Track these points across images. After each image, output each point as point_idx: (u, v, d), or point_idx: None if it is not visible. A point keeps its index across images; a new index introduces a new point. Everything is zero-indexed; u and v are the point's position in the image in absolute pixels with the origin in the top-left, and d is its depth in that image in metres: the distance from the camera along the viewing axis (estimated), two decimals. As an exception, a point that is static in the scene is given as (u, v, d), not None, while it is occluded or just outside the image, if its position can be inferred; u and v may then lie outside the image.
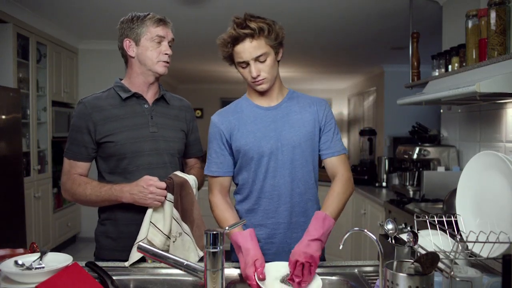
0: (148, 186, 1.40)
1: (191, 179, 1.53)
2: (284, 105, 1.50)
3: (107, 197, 1.46)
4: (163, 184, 1.43)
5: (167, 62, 1.55)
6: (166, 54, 1.53)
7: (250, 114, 1.48)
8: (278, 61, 1.45)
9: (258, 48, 1.36)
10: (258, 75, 1.39)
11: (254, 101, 1.51)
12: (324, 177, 1.58)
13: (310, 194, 1.51)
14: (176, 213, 1.45)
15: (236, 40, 1.36)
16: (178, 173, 1.52)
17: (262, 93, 1.48)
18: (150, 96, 1.60)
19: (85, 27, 4.49)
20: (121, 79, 1.62)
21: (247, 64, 1.39)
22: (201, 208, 1.53)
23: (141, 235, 1.42)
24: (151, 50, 1.51)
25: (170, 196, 1.45)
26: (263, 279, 1.19)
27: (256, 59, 1.37)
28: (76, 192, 1.50)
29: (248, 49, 1.35)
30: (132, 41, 1.53)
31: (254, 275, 1.19)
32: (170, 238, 1.45)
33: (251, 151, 1.44)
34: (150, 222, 1.43)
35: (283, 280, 1.21)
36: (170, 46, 1.56)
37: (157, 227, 1.44)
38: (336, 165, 1.48)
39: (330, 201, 1.39)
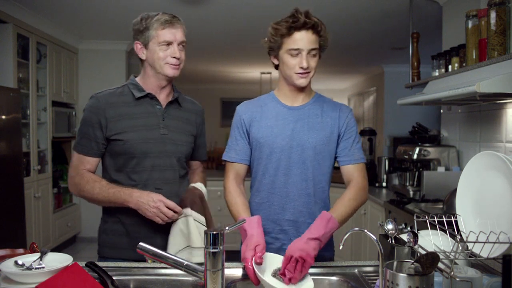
0: (158, 201, 1.42)
1: (203, 189, 1.61)
2: (308, 107, 1.53)
3: (114, 199, 1.47)
4: (173, 205, 1.44)
5: (177, 65, 1.53)
6: (174, 57, 1.51)
7: (273, 110, 1.53)
8: None
9: (314, 42, 1.41)
10: (308, 67, 1.43)
11: (280, 99, 1.54)
12: (337, 178, 1.58)
13: (319, 196, 1.51)
14: (201, 219, 1.52)
15: (299, 27, 1.39)
16: (197, 185, 1.60)
17: (291, 92, 1.51)
18: (163, 97, 1.59)
19: (85, 27, 4.49)
20: (135, 77, 1.61)
21: (299, 53, 1.41)
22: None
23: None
24: (159, 53, 1.50)
25: (189, 212, 1.50)
26: (259, 263, 1.20)
27: (310, 51, 1.41)
28: (84, 188, 1.50)
29: (307, 38, 1.40)
30: (142, 45, 1.53)
31: (252, 259, 1.20)
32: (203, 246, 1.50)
33: (265, 145, 1.49)
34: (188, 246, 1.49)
35: (274, 274, 1.21)
36: (183, 46, 1.54)
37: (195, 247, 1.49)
38: (352, 172, 1.49)
39: (339, 205, 1.40)
